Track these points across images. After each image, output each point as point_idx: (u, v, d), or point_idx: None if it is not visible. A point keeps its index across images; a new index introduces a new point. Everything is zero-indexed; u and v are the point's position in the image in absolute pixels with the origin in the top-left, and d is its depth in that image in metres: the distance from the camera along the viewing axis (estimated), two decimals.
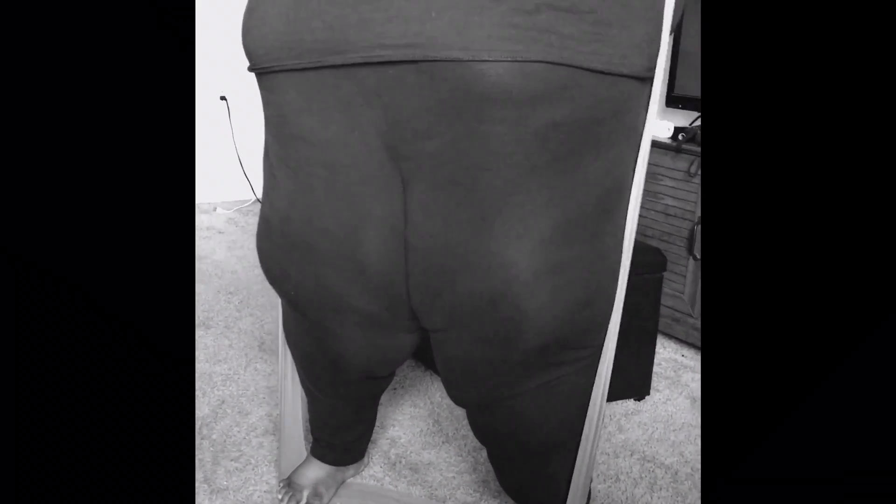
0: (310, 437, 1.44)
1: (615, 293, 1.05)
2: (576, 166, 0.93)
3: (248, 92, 3.38)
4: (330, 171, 0.98)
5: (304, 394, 1.37)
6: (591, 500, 1.36)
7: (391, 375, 1.30)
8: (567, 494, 1.20)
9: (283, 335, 1.32)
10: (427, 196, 0.95)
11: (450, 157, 0.92)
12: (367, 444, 1.44)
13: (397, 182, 0.97)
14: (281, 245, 1.07)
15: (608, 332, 1.08)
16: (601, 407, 1.12)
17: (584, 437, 1.14)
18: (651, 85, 0.95)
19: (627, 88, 0.91)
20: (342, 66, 0.90)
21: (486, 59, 0.84)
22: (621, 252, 1.03)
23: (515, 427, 1.12)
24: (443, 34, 0.84)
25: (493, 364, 1.04)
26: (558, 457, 1.17)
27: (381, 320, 1.08)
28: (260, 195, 3.48)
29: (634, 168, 1.01)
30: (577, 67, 0.86)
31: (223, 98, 3.33)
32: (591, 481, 1.41)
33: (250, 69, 1.01)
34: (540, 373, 1.05)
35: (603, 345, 1.09)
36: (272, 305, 2.26)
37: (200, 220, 3.21)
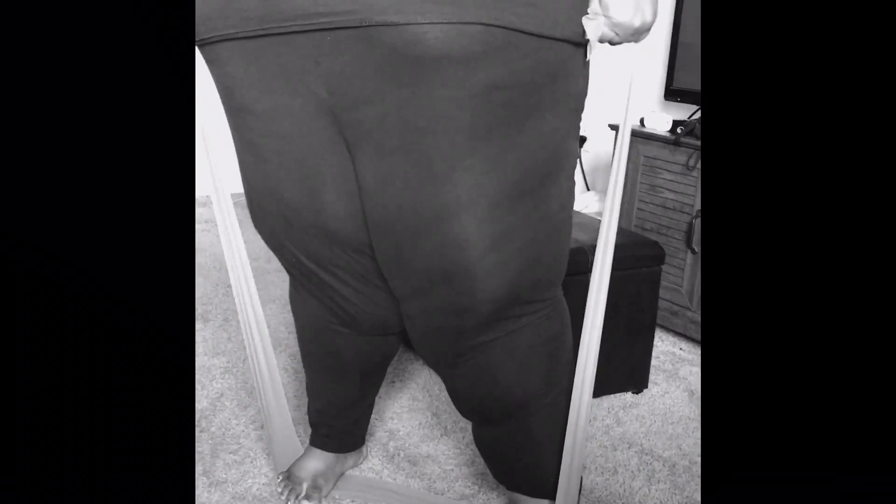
0: (302, 429, 1.43)
1: (562, 250, 1.09)
2: (519, 130, 0.95)
3: None
4: (279, 141, 1.01)
5: (295, 389, 1.37)
6: (581, 491, 1.36)
7: (400, 338, 1.30)
8: (556, 481, 1.21)
9: (248, 338, 1.29)
10: (375, 163, 0.97)
11: (394, 123, 0.93)
12: (366, 429, 1.44)
13: (345, 148, 0.99)
14: (264, 217, 1.12)
15: (588, 325, 1.12)
16: (586, 397, 1.13)
17: (569, 424, 1.15)
18: (585, 52, 0.96)
19: (563, 52, 0.93)
20: (279, 34, 0.91)
21: (422, 21, 0.85)
22: (568, 212, 1.07)
23: (486, 382, 1.13)
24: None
25: (451, 328, 1.08)
26: (539, 417, 1.18)
27: (375, 275, 1.13)
28: None
29: (575, 135, 1.04)
30: (511, 29, 0.87)
31: None
32: (583, 472, 1.41)
33: None
34: (497, 326, 1.08)
35: (556, 297, 1.13)
36: (270, 299, 2.26)
37: (199, 212, 3.20)
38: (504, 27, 0.86)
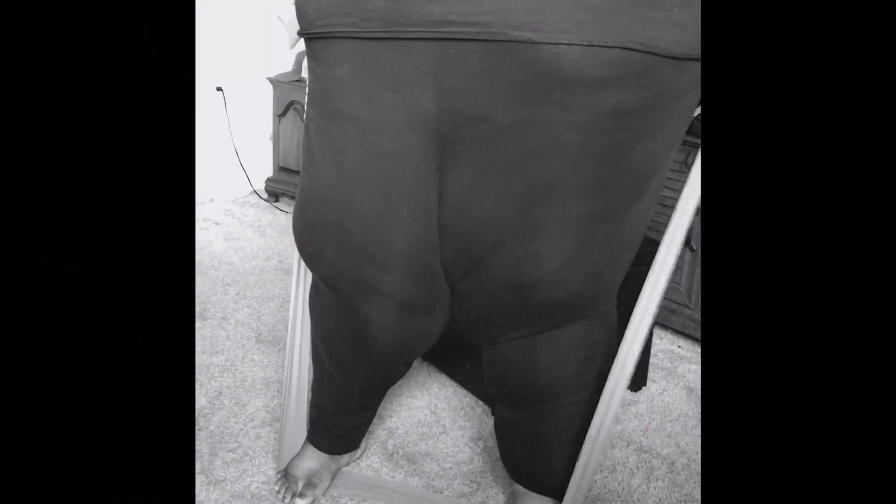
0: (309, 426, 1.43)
1: (624, 265, 1.08)
2: (628, 153, 0.91)
3: (244, 83, 3.37)
4: (369, 153, 0.96)
5: (309, 379, 1.37)
6: None
7: (408, 365, 1.31)
8: (562, 479, 1.21)
9: (292, 325, 1.31)
10: (469, 178, 0.93)
11: (503, 143, 0.89)
12: (363, 435, 1.44)
13: (435, 165, 0.95)
14: (317, 224, 1.05)
15: (628, 337, 1.10)
16: (615, 402, 1.12)
17: (592, 427, 1.15)
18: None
19: (694, 72, 0.88)
20: (402, 39, 0.86)
21: (561, 42, 0.79)
22: (642, 229, 1.05)
23: (521, 364, 1.14)
24: (516, 12, 0.79)
25: (502, 321, 1.09)
26: (559, 414, 1.18)
27: (415, 304, 1.09)
28: (255, 187, 3.48)
29: (677, 147, 1.00)
30: (656, 55, 0.82)
31: (219, 89, 3.32)
32: None
33: (300, 34, 0.97)
34: (546, 325, 1.09)
35: (608, 310, 1.13)
36: (269, 297, 2.26)
37: (197, 211, 3.20)
38: (649, 52, 0.81)
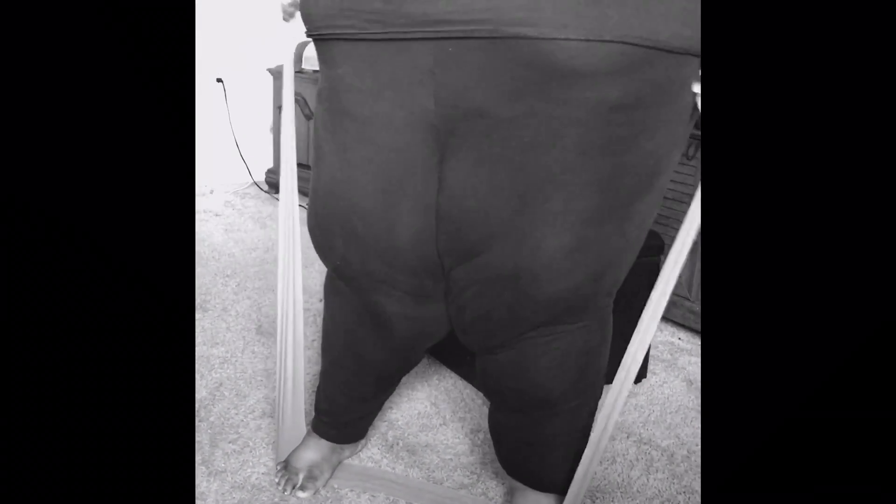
0: (312, 416, 1.43)
1: (625, 265, 1.07)
2: (627, 149, 0.90)
3: (244, 74, 3.36)
4: (371, 149, 0.98)
5: (307, 372, 1.37)
6: None
7: (423, 352, 1.30)
8: (562, 475, 1.21)
9: (282, 317, 1.31)
10: (468, 169, 0.94)
11: (502, 136, 0.89)
12: (370, 424, 1.44)
13: (435, 160, 0.96)
14: (325, 217, 1.08)
15: (638, 333, 1.10)
16: (622, 397, 1.12)
17: (596, 422, 1.14)
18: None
19: (693, 66, 0.88)
20: (401, 40, 0.87)
21: (558, 37, 0.79)
22: (645, 229, 1.04)
23: (515, 373, 1.14)
24: (511, 9, 0.79)
25: (503, 320, 1.07)
26: (556, 420, 1.18)
27: (424, 292, 1.11)
28: (256, 178, 3.48)
29: (681, 146, 0.99)
30: (656, 49, 0.81)
31: (219, 80, 3.31)
32: None
33: (307, 35, 1.00)
34: (543, 328, 1.08)
35: (604, 311, 1.12)
36: (269, 288, 2.26)
37: (197, 202, 3.20)
38: (648, 47, 0.80)
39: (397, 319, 1.15)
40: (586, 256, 0.98)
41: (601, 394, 1.16)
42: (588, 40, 0.79)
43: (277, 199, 3.25)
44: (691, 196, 1.99)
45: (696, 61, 0.89)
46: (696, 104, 0.96)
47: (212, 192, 3.37)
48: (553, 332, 1.09)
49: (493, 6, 0.80)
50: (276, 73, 3.18)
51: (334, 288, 1.25)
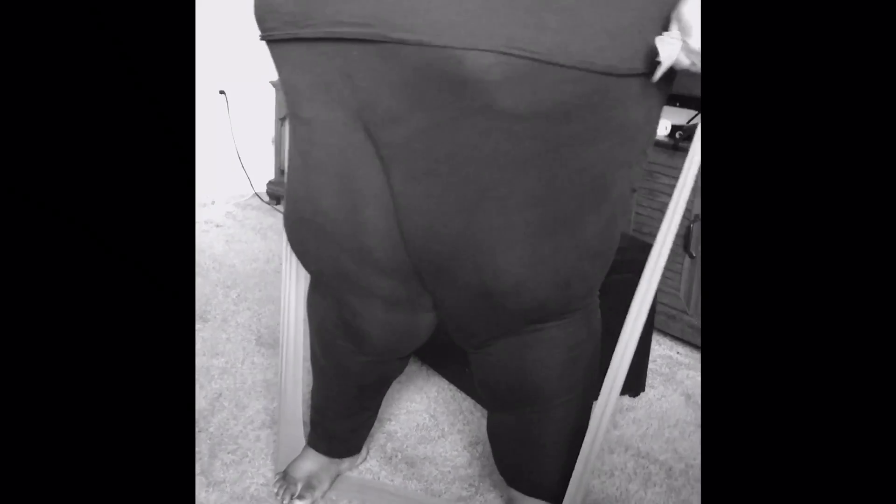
0: (309, 429, 1.44)
1: (597, 273, 1.09)
2: (552, 161, 0.91)
3: (246, 86, 3.38)
4: (322, 152, 0.99)
5: (307, 382, 1.38)
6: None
7: (404, 362, 1.31)
8: (557, 482, 1.22)
9: (285, 325, 1.32)
10: (407, 185, 0.95)
11: (420, 147, 0.90)
12: (364, 439, 1.44)
13: (382, 165, 0.97)
14: (297, 222, 1.10)
15: (620, 344, 1.11)
16: (610, 405, 1.13)
17: (588, 433, 1.15)
18: (640, 79, 0.89)
19: (603, 83, 0.86)
20: (307, 40, 0.89)
21: (435, 43, 0.79)
22: (608, 240, 1.06)
23: (505, 369, 1.16)
24: (396, 13, 0.80)
25: (482, 327, 1.11)
26: (549, 416, 1.19)
27: (399, 298, 1.11)
28: (257, 189, 3.49)
29: (633, 164, 1.01)
30: (538, 61, 0.80)
31: (222, 92, 3.33)
32: None
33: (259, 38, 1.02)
34: (527, 326, 1.11)
35: (589, 307, 1.15)
36: (270, 299, 2.27)
37: (199, 213, 3.21)
38: (525, 57, 0.80)
39: (371, 326, 1.15)
40: (547, 268, 1.00)
41: (594, 396, 1.17)
42: (464, 49, 0.79)
43: (278, 211, 3.27)
44: (690, 211, 2.00)
45: (619, 79, 0.87)
46: (652, 131, 0.99)
47: (213, 203, 3.37)
48: (538, 329, 1.11)
49: (380, 11, 0.81)
50: (279, 86, 3.20)
51: (314, 301, 1.27)
